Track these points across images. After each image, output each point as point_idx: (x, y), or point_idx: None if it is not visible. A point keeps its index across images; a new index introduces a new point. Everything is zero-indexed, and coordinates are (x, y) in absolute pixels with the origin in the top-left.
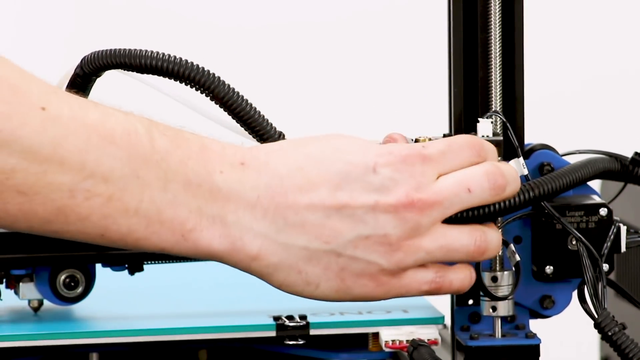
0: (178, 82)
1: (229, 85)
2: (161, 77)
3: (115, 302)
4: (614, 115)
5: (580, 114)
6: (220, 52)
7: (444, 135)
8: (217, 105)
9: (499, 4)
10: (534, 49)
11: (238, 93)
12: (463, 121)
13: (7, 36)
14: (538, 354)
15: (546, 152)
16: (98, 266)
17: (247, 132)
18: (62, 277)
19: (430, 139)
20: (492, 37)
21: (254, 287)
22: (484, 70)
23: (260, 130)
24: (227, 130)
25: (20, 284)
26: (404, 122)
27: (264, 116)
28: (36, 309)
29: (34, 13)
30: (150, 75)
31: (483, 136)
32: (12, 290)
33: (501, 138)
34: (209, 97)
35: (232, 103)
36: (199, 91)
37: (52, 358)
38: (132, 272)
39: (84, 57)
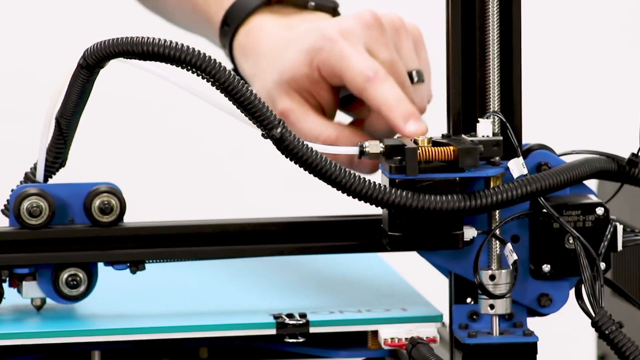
0: (180, 68)
1: (230, 71)
2: (163, 64)
3: (117, 301)
4: (611, 116)
5: (577, 115)
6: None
7: (443, 136)
8: (219, 92)
9: (497, 4)
10: (532, 49)
11: (239, 79)
12: (461, 121)
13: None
14: (535, 352)
15: (544, 152)
16: (100, 265)
17: (247, 118)
18: (65, 276)
19: (430, 140)
20: (490, 37)
21: (254, 285)
22: (482, 71)
23: (261, 116)
24: (229, 115)
25: (23, 282)
26: None
27: (264, 103)
28: (39, 308)
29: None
30: (152, 63)
31: (483, 136)
32: (15, 289)
33: (500, 138)
34: (210, 83)
35: (232, 88)
36: (200, 77)
37: (54, 356)
38: (133, 271)
39: (86, 48)
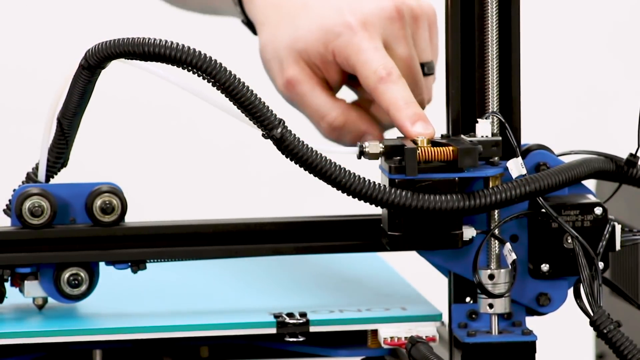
0: (180, 68)
1: (230, 72)
2: (164, 64)
3: (118, 300)
4: (609, 117)
5: (576, 115)
6: (219, 44)
7: (442, 136)
8: (219, 92)
9: (495, 5)
10: (531, 50)
11: (239, 79)
12: (460, 122)
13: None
14: (534, 351)
15: (542, 152)
16: (101, 264)
17: (247, 119)
18: (66, 276)
19: (429, 140)
20: (489, 38)
21: (254, 285)
22: (481, 71)
23: (261, 116)
24: (230, 116)
25: (25, 282)
26: None
27: (264, 103)
28: (40, 307)
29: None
30: (153, 63)
31: (482, 136)
32: (17, 288)
33: (499, 138)
34: (210, 83)
35: (233, 89)
36: (201, 77)
37: (56, 355)
38: (134, 271)
39: (88, 49)
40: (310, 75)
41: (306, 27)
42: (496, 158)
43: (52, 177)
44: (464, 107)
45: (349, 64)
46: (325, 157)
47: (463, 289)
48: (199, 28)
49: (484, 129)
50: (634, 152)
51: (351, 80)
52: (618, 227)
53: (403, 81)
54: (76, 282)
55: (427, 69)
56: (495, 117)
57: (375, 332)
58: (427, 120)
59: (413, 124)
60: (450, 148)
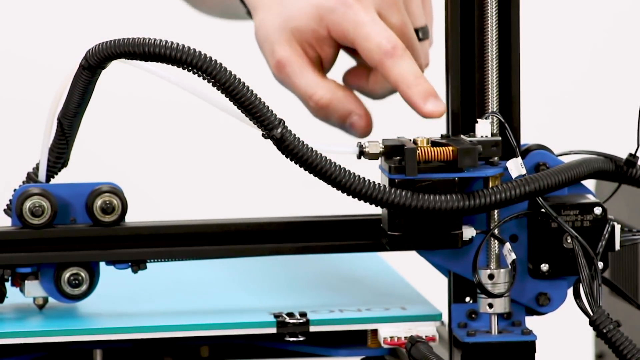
0: (181, 68)
1: (230, 72)
2: (164, 65)
3: (119, 300)
4: (609, 117)
5: (575, 115)
6: (219, 44)
7: (442, 136)
8: (219, 92)
9: (495, 5)
10: (530, 50)
11: (239, 80)
12: (460, 122)
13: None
14: (534, 350)
15: (542, 152)
16: (102, 264)
17: (247, 119)
18: (67, 275)
19: (428, 140)
20: (489, 38)
21: (254, 285)
22: (480, 71)
23: (261, 116)
24: (230, 116)
25: (26, 281)
26: (402, 123)
27: (264, 103)
28: (41, 307)
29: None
30: (154, 63)
31: (482, 136)
32: (18, 288)
33: (499, 138)
34: (210, 83)
35: (233, 89)
36: (201, 77)
37: (56, 355)
38: (135, 271)
39: (88, 49)
40: (300, 54)
41: (298, 5)
42: (496, 158)
43: (53, 177)
44: (464, 107)
45: (348, 38)
46: (325, 157)
47: (463, 289)
48: (200, 28)
49: (484, 129)
50: (633, 152)
51: (347, 48)
52: (617, 227)
53: (409, 54)
54: (76, 281)
55: (422, 34)
56: (495, 117)
57: (375, 332)
58: (437, 96)
59: (425, 101)
60: (450, 148)
